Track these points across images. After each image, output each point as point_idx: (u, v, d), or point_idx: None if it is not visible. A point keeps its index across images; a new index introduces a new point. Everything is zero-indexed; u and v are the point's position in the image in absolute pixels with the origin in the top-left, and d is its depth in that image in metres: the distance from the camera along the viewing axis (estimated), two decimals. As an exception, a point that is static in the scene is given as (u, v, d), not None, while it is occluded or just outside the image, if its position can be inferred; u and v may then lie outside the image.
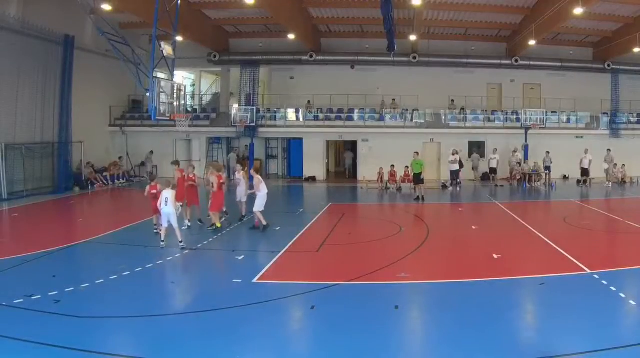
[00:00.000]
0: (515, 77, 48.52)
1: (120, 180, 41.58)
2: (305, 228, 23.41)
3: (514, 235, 21.88)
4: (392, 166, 37.57)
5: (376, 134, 44.83)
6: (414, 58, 45.75)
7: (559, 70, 47.83)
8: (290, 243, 19.94)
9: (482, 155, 44.27)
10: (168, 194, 18.40)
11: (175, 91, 28.75)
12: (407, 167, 36.37)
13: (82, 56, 38.06)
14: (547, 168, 41.62)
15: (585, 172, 40.74)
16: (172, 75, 29.57)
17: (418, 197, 32.73)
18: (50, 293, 13.31)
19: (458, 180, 38.60)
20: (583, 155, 40.75)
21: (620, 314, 12.31)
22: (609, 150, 41.82)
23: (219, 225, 22.24)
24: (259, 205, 22.30)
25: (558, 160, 42.30)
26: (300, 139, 45.84)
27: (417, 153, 35.45)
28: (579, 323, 11.61)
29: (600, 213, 28.53)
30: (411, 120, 45.62)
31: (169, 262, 17.33)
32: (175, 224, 18.69)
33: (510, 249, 19.29)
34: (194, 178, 23.66)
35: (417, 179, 33.39)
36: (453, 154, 38.73)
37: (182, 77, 48.86)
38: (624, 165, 42.67)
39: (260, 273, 15.33)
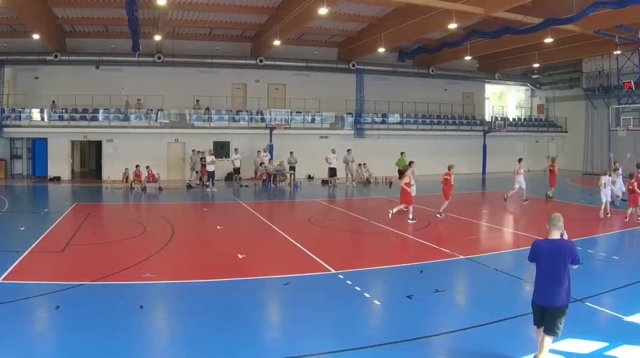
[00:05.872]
0: (260, 77, 49.13)
1: None
2: (50, 228, 22.27)
3: (259, 235, 21.84)
4: (137, 166, 36.88)
5: (121, 134, 43.61)
6: (159, 58, 44.92)
7: (303, 70, 49.18)
8: (35, 243, 18.94)
9: (227, 155, 44.34)
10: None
11: None
12: (147, 166, 36.74)
13: None
14: (292, 168, 42.15)
15: (332, 172, 41.78)
16: None
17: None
18: None
19: (211, 181, 38.17)
20: (330, 155, 41.70)
21: (364, 314, 12.34)
22: (349, 150, 43.08)
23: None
24: None
25: (303, 160, 43.06)
26: (45, 139, 43.84)
27: (403, 153, 40.12)
28: (324, 323, 11.56)
29: (345, 213, 29.24)
30: (156, 120, 44.88)
31: None
32: None
33: (255, 249, 19.11)
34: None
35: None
36: (211, 154, 38.48)
37: None
38: (365, 164, 44.14)
39: (5, 274, 14.42)
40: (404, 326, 11.20)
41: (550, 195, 32.30)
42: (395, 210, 25.08)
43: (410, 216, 24.39)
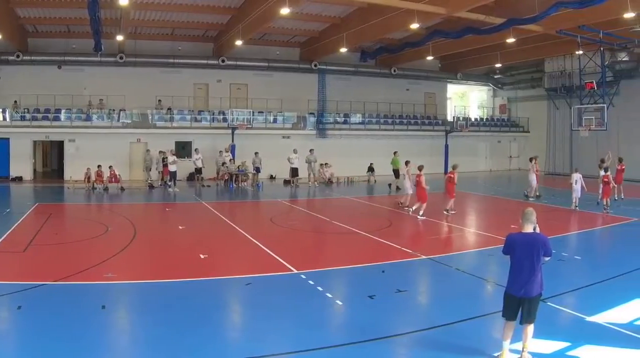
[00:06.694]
0: (222, 77, 48.82)
1: None
2: (12, 228, 22.09)
3: (222, 235, 21.78)
4: (99, 166, 36.56)
5: (83, 134, 43.15)
6: (121, 58, 44.40)
7: (266, 70, 49.01)
8: (-3, 243, 18.77)
9: (189, 155, 44.05)
10: None
11: None
12: (110, 166, 36.74)
13: None
14: (257, 169, 41.92)
15: (294, 172, 41.60)
16: None
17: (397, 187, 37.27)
18: None
19: (173, 181, 37.87)
20: (292, 155, 41.54)
21: (326, 314, 12.30)
22: (311, 150, 42.98)
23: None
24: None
25: (265, 160, 42.88)
26: (7, 139, 43.27)
27: (396, 152, 40.51)
28: (286, 324, 11.50)
29: (307, 213, 29.17)
30: (118, 120, 44.45)
31: None
32: None
33: (218, 249, 19.11)
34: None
35: (396, 174, 38.75)
36: (173, 154, 38.20)
37: None
38: (327, 164, 44.06)
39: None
40: (366, 326, 11.15)
41: (538, 194, 32.91)
42: (414, 208, 26.40)
43: (411, 211, 26.57)
